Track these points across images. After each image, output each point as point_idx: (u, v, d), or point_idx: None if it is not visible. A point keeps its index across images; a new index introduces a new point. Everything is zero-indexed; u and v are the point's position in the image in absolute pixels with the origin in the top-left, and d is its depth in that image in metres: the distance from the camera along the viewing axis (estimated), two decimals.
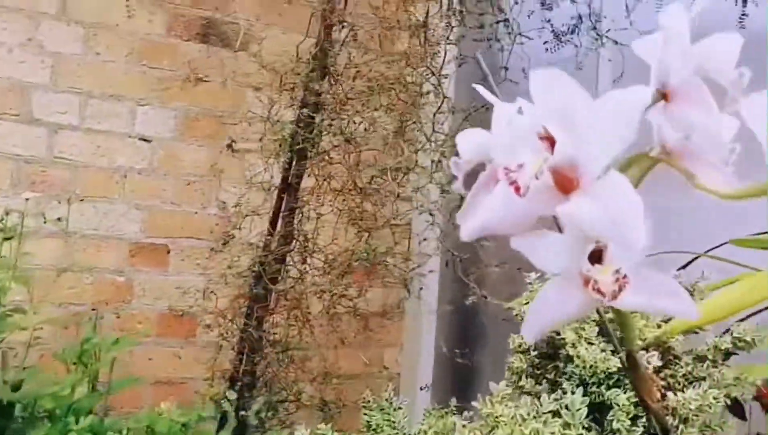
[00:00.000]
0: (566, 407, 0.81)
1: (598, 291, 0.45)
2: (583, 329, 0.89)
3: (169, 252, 1.80)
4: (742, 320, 1.07)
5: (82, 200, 1.69)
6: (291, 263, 1.42)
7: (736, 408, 1.06)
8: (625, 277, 0.45)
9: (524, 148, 0.40)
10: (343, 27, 1.30)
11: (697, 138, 0.43)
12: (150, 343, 1.75)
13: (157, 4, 1.77)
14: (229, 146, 1.27)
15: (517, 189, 0.39)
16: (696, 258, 1.26)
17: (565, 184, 0.40)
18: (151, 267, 1.78)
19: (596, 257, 0.49)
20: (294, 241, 1.39)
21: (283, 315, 1.42)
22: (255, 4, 1.86)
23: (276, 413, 1.36)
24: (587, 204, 0.38)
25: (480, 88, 0.52)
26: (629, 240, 0.36)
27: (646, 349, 0.85)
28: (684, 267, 1.27)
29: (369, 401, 0.94)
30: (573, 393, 0.85)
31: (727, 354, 0.96)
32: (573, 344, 0.90)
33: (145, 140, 1.77)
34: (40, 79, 1.66)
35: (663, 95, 0.44)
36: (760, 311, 1.11)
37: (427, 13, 1.29)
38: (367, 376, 1.91)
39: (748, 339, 0.92)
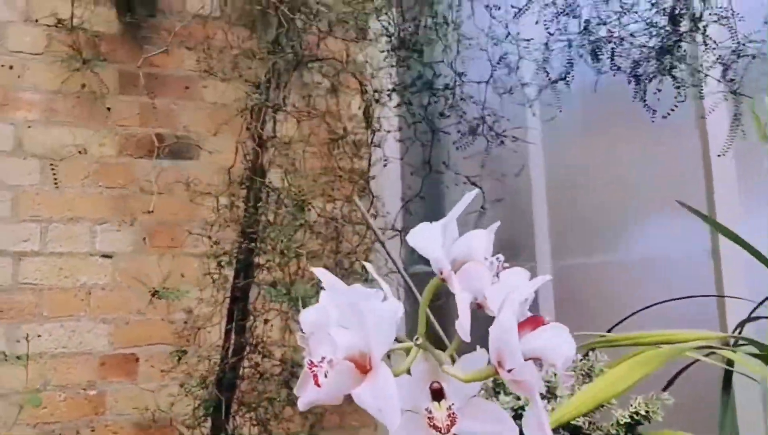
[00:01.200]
0: None
1: (435, 427, 0.55)
2: None
3: (137, 360, 1.88)
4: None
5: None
6: (245, 367, 1.50)
7: None
8: (454, 413, 0.54)
9: (326, 343, 0.51)
10: (272, 149, 1.42)
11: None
12: None
13: (108, 127, 1.90)
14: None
15: (316, 381, 0.49)
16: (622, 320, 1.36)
17: (362, 366, 0.50)
18: (122, 377, 1.86)
19: (437, 395, 0.59)
20: (246, 347, 1.48)
21: (244, 418, 1.49)
22: (203, 116, 2.00)
23: None
24: (369, 391, 0.49)
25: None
26: (388, 423, 0.46)
27: None
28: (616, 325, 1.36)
29: None
30: None
31: (630, 427, 1.05)
32: None
33: (106, 256, 1.87)
34: (1, 212, 1.77)
35: (442, 279, 0.55)
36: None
37: (345, 129, 1.41)
38: None
39: (643, 412, 1.01)
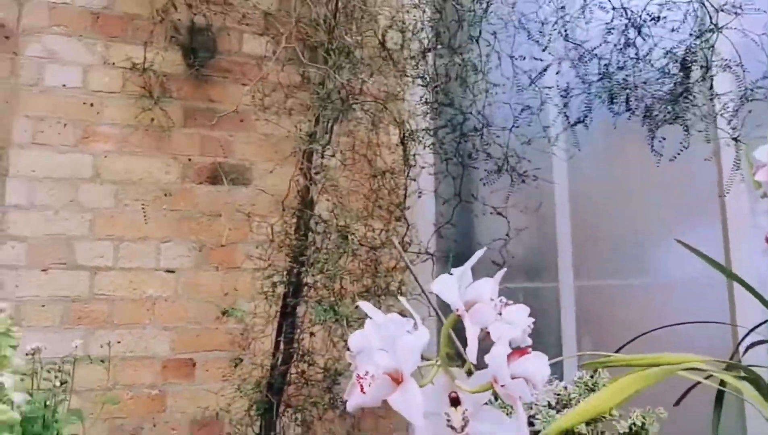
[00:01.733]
0: None
1: (452, 428, 0.74)
2: None
3: (194, 365, 2.10)
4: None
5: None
6: (293, 373, 1.70)
7: None
8: (467, 416, 0.73)
9: (369, 362, 0.70)
10: (320, 182, 1.62)
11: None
12: None
13: (172, 156, 2.13)
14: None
15: (362, 389, 0.68)
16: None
17: (396, 379, 0.69)
18: (181, 379, 2.08)
19: (455, 402, 0.77)
20: (294, 356, 1.67)
21: (290, 419, 1.69)
22: (254, 147, 2.22)
23: None
24: (400, 397, 0.68)
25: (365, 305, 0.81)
26: (414, 421, 0.65)
27: None
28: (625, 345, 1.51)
29: None
30: None
31: None
32: None
33: (169, 271, 2.10)
34: (81, 231, 2.02)
35: (458, 316, 0.73)
36: None
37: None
38: None
39: (639, 423, 1.17)
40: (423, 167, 1.71)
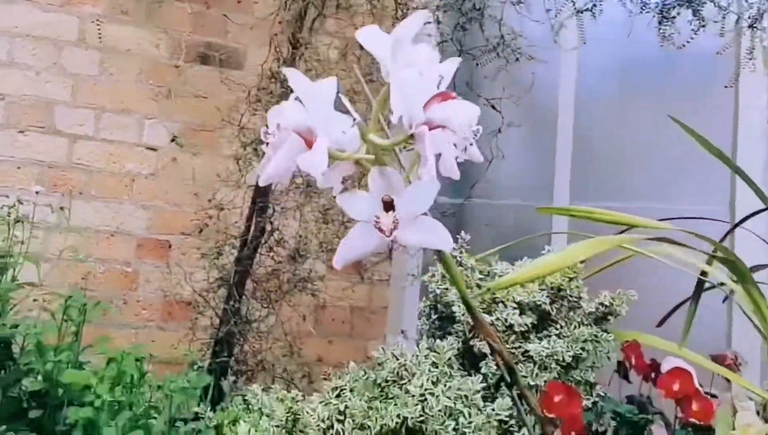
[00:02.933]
0: (435, 351, 0.99)
1: (381, 230, 0.68)
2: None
3: (170, 247, 2.05)
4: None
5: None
6: (262, 253, 1.64)
7: (620, 369, 1.22)
8: (397, 219, 0.67)
9: (281, 115, 0.61)
10: (304, 47, 1.53)
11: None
12: (153, 328, 2.00)
13: (163, 30, 2.04)
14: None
15: (268, 145, 0.60)
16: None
17: (309, 142, 0.61)
18: (156, 260, 2.03)
19: (388, 206, 0.71)
20: (265, 233, 1.61)
21: (255, 296, 1.64)
22: (246, 29, 2.11)
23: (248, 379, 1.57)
24: (307, 157, 0.59)
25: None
26: (315, 173, 0.57)
27: (503, 303, 1.04)
28: None
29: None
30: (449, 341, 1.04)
31: (598, 320, 1.13)
32: (455, 305, 1.09)
33: (151, 149, 2.03)
34: (62, 96, 1.95)
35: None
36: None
37: None
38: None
39: (607, 303, 1.10)
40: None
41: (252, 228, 1.63)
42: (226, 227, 1.64)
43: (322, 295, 1.63)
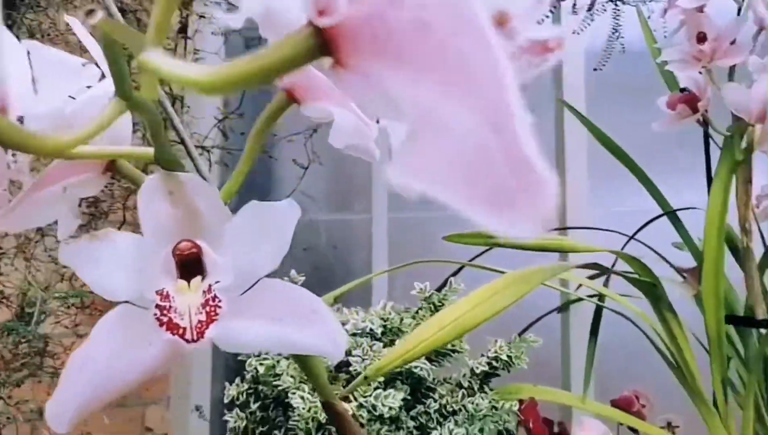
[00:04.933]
0: None
1: (170, 325, 0.28)
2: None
3: None
4: (524, 330, 0.95)
5: None
6: None
7: None
8: (217, 298, 0.27)
9: None
10: None
11: None
12: None
13: None
14: None
15: None
16: (461, 268, 1.13)
17: None
18: None
19: (193, 265, 0.30)
20: None
21: None
22: None
23: None
24: None
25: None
26: None
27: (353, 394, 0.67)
28: (453, 274, 1.13)
29: None
30: None
31: (487, 376, 0.82)
32: (291, 391, 0.69)
33: None
34: None
35: None
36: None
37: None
38: None
39: (504, 357, 0.78)
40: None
41: None
42: None
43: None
